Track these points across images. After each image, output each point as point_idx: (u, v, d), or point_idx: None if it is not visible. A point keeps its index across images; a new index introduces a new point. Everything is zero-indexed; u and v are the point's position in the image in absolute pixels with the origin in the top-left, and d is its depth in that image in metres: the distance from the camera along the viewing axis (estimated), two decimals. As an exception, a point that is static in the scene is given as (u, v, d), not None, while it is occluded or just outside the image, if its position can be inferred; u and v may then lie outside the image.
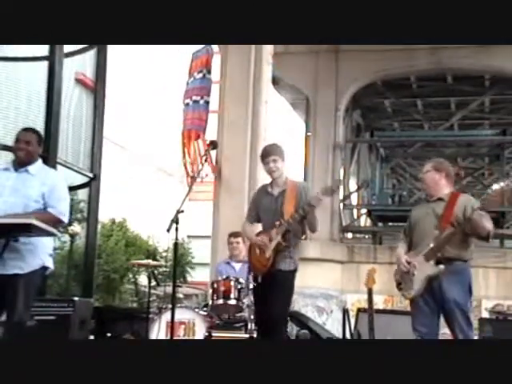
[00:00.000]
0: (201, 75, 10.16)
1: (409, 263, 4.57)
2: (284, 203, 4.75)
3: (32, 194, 4.21)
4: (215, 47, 11.18)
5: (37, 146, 4.39)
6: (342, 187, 19.76)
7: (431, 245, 4.49)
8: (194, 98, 10.07)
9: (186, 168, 10.02)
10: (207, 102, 10.10)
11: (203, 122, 9.97)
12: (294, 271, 4.80)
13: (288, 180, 4.89)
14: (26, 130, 4.51)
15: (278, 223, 4.70)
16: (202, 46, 10.20)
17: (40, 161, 4.46)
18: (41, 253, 4.23)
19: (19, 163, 4.33)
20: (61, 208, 4.27)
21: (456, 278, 4.47)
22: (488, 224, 4.42)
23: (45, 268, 4.29)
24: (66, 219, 4.31)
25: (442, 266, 4.45)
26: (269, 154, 4.83)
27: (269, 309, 4.66)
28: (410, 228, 4.78)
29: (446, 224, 4.49)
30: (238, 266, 6.71)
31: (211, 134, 10.52)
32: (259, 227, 4.96)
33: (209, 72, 10.20)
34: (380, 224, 21.46)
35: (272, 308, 4.63)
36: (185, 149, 9.98)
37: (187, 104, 10.16)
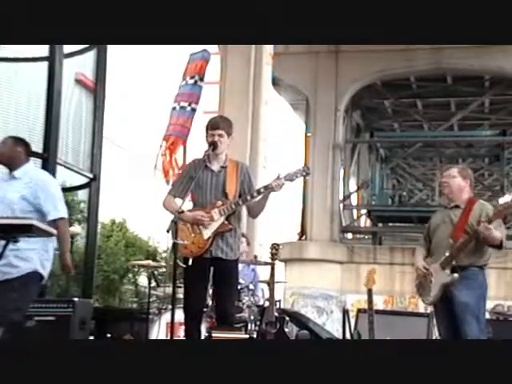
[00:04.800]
0: (192, 81, 10.03)
1: (426, 269, 4.60)
2: (227, 181, 4.44)
3: (13, 198, 4.23)
4: (215, 48, 11.16)
5: (11, 146, 4.37)
6: (341, 187, 19.79)
7: (446, 253, 4.51)
8: (182, 103, 9.93)
9: (163, 168, 9.91)
10: (194, 110, 9.93)
11: (186, 130, 9.83)
12: (237, 260, 4.61)
13: (228, 158, 4.55)
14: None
15: (220, 203, 4.39)
16: (200, 48, 10.14)
17: (28, 164, 4.45)
18: (32, 258, 4.21)
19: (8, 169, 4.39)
20: (64, 211, 4.35)
21: (466, 283, 4.48)
22: (498, 233, 4.41)
23: (38, 273, 4.26)
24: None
25: (456, 275, 4.47)
26: (216, 126, 4.46)
27: (222, 304, 4.49)
28: (429, 234, 4.79)
29: (459, 232, 4.51)
30: (239, 266, 6.68)
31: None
32: (180, 203, 4.40)
33: (201, 79, 10.08)
34: (380, 224, 21.49)
35: (227, 304, 4.48)
36: (161, 153, 9.89)
37: (174, 108, 10.04)
